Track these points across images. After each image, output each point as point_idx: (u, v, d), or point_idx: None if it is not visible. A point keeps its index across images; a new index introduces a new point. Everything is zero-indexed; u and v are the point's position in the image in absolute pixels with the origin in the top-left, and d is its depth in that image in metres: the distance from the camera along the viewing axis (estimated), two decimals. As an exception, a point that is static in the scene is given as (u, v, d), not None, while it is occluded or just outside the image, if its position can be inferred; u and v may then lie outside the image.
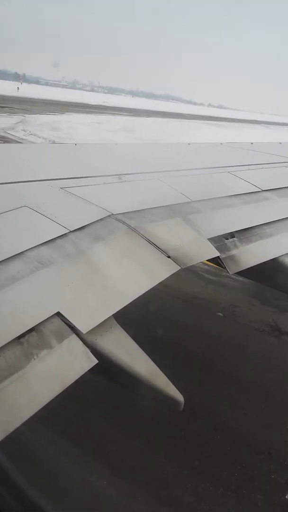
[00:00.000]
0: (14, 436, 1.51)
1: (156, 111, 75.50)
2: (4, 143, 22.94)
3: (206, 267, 8.73)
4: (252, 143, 8.42)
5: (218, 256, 3.20)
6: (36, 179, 3.52)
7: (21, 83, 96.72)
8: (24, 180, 3.44)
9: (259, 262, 3.43)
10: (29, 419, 1.61)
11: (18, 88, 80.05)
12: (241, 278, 7.92)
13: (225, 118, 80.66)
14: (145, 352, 2.16)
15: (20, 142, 24.00)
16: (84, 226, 2.78)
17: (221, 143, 7.94)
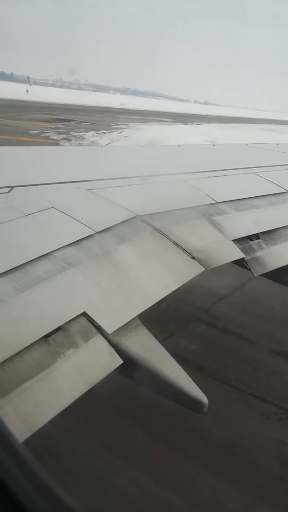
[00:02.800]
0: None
1: (197, 115, 73.73)
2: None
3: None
4: (277, 144, 8.32)
5: (243, 258, 3.18)
6: (63, 181, 3.57)
7: (30, 85, 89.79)
8: (51, 182, 3.49)
9: (284, 264, 3.39)
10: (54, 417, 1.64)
11: (27, 90, 74.94)
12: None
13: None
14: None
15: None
16: (109, 227, 2.80)
17: (246, 144, 7.88)
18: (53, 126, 33.41)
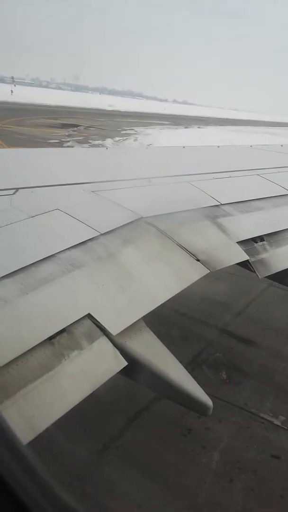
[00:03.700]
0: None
1: (194, 117, 73.16)
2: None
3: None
4: (282, 145, 8.32)
5: (247, 260, 3.18)
6: (68, 182, 3.58)
7: (15, 86, 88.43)
8: (56, 184, 3.50)
9: (289, 266, 3.38)
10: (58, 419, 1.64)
11: (11, 91, 72.75)
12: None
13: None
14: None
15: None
16: (114, 229, 2.81)
17: (250, 146, 7.87)
18: (66, 133, 32.79)
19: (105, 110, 69.16)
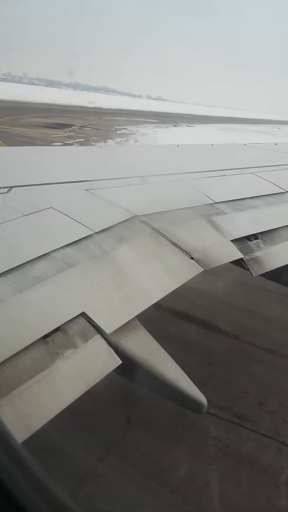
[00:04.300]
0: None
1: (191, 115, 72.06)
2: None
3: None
4: (276, 144, 8.34)
5: (241, 258, 3.18)
6: (62, 181, 3.57)
7: None
8: (50, 182, 3.49)
9: (283, 264, 3.39)
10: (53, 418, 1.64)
11: None
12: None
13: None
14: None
15: None
16: (108, 228, 2.80)
17: (244, 144, 7.89)
18: (65, 135, 31.67)
19: (87, 107, 67.21)
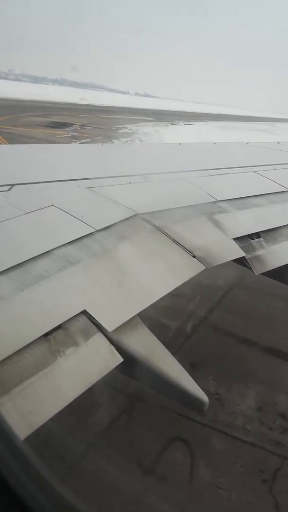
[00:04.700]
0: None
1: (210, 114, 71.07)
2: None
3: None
4: (278, 143, 8.33)
5: (243, 257, 3.18)
6: (64, 179, 3.57)
7: None
8: (51, 180, 3.48)
9: (286, 263, 3.39)
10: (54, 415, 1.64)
11: None
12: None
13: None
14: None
15: None
16: (110, 226, 2.80)
17: (247, 143, 7.87)
18: (69, 135, 30.87)
19: (80, 104, 65.09)
